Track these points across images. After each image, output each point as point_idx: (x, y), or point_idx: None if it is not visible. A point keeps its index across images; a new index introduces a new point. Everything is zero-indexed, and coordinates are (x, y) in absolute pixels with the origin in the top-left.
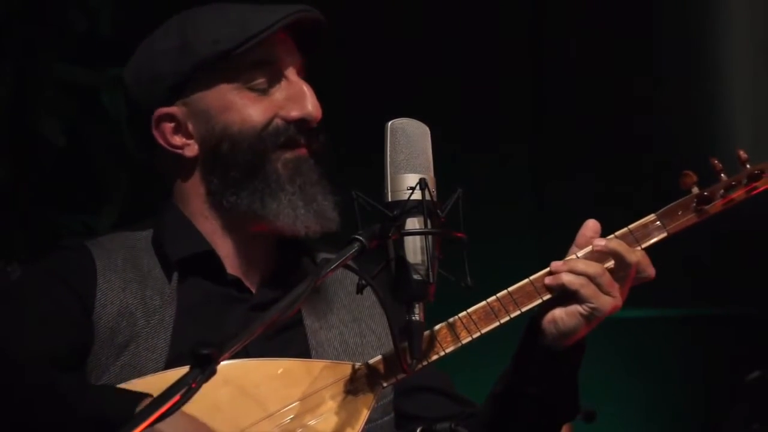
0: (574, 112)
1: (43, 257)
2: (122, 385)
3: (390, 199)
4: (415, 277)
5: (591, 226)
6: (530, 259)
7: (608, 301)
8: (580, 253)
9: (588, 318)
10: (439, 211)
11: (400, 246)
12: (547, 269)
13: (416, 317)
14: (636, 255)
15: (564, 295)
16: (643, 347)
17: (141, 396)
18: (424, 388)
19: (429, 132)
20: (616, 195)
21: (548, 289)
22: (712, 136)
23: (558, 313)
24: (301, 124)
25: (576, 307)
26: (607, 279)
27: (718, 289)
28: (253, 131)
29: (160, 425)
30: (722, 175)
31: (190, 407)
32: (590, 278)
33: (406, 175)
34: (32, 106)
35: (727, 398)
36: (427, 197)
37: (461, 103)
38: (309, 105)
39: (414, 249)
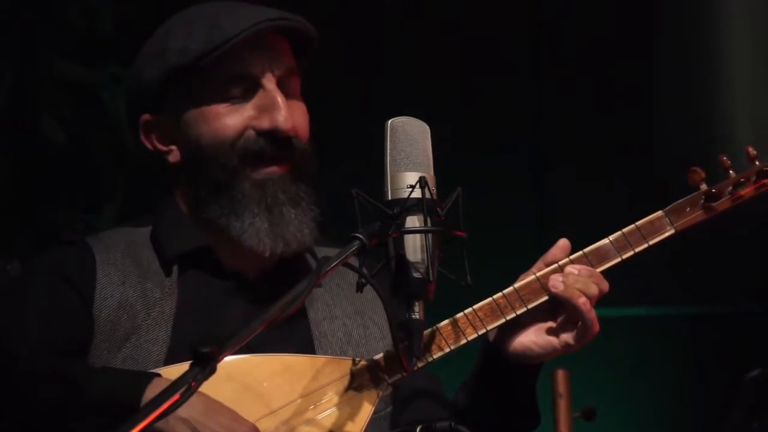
0: (574, 111)
1: (43, 252)
2: None
3: (390, 198)
4: (415, 275)
5: (561, 245)
6: (530, 257)
7: (594, 323)
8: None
9: (565, 347)
10: (439, 209)
11: (400, 244)
12: (554, 266)
13: (416, 315)
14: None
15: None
16: (642, 345)
17: (148, 376)
18: (420, 392)
19: (429, 130)
20: (616, 193)
21: (549, 293)
22: (712, 136)
23: (527, 342)
24: (272, 135)
25: (550, 338)
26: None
27: (718, 286)
28: (224, 144)
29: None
30: (731, 171)
31: None
32: (588, 296)
33: (406, 173)
34: (32, 105)
35: (726, 396)
36: (427, 195)
37: (461, 101)
38: (280, 116)
39: (414, 247)
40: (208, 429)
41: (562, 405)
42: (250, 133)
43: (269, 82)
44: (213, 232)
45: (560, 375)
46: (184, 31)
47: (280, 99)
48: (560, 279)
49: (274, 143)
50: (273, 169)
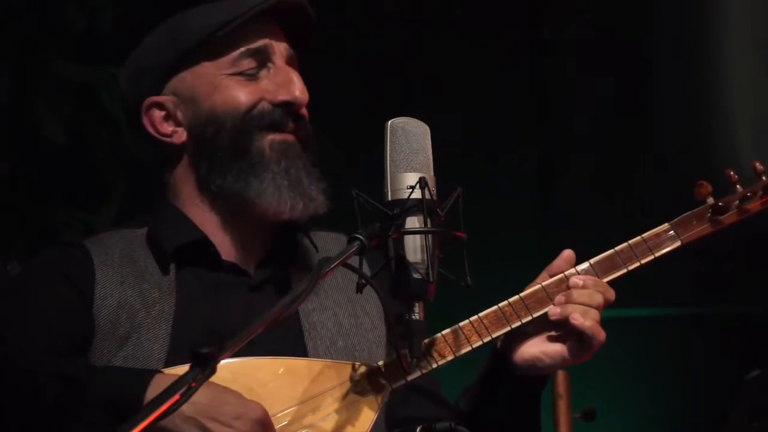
0: (575, 112)
1: (42, 252)
2: None
3: (390, 198)
4: (415, 275)
5: (565, 256)
6: (531, 259)
7: (599, 334)
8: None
9: (574, 357)
10: (439, 209)
11: (400, 245)
12: (559, 276)
13: (416, 316)
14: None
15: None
16: (643, 345)
17: (148, 374)
18: (417, 388)
19: (429, 131)
20: (617, 194)
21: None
22: (712, 137)
23: (536, 352)
24: (288, 107)
25: (559, 347)
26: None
27: (718, 287)
28: (237, 112)
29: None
30: (738, 186)
31: None
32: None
33: (406, 174)
34: (32, 105)
35: (727, 397)
36: (427, 196)
37: (462, 101)
38: (296, 90)
39: (414, 248)
40: (215, 423)
41: (562, 406)
42: (265, 104)
43: (279, 60)
44: (218, 212)
45: (560, 375)
46: (197, 16)
47: (294, 75)
48: (558, 308)
49: (288, 115)
50: (290, 136)
